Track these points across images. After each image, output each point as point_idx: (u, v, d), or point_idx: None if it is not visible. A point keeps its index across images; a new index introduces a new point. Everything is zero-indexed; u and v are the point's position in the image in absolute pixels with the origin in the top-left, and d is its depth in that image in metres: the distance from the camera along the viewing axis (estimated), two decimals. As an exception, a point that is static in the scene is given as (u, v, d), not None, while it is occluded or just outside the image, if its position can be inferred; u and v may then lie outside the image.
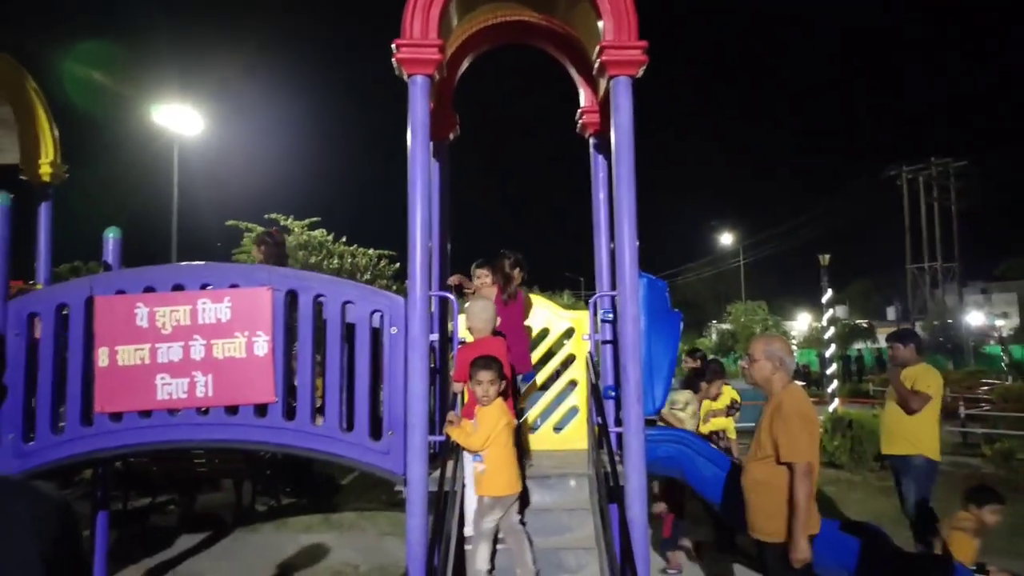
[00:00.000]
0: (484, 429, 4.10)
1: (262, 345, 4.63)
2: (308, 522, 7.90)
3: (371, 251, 22.22)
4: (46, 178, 7.27)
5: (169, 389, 4.57)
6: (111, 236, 6.83)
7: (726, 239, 55.87)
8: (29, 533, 1.29)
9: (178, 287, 4.72)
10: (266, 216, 21.27)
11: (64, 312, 4.72)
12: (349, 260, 21.48)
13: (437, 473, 4.48)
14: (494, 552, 4.02)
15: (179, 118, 20.39)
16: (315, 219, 21.45)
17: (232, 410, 4.60)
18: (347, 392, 4.71)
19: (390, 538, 7.05)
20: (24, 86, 6.93)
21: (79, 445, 4.54)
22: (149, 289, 4.71)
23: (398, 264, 22.52)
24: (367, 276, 20.94)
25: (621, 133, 4.67)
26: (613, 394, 5.09)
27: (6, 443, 4.61)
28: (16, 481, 1.33)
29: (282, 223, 21.08)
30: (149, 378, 4.57)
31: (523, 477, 4.22)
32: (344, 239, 21.81)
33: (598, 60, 4.79)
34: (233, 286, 4.72)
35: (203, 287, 4.71)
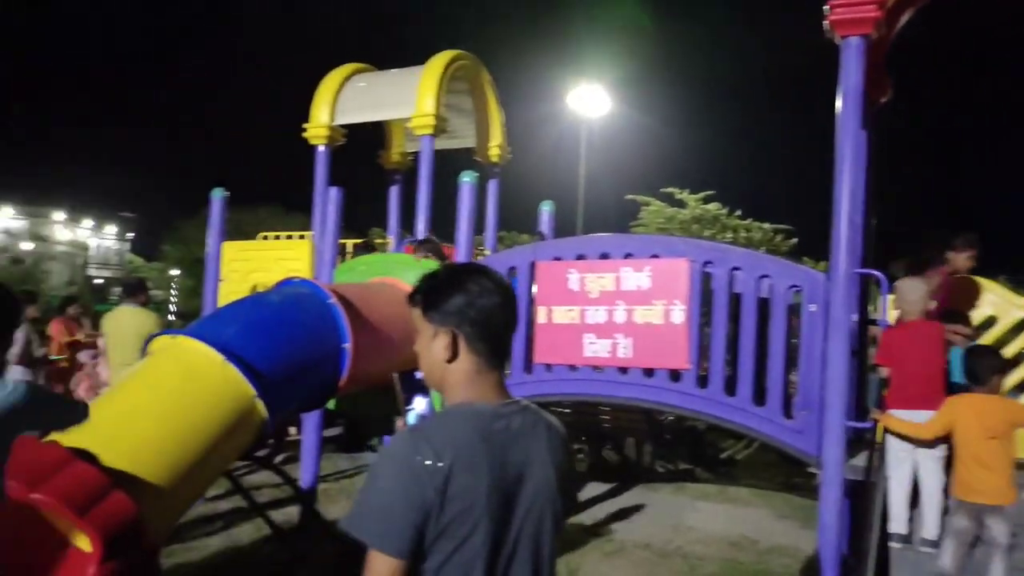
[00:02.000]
0: (942, 418, 3.76)
1: (678, 314, 4.84)
2: (704, 491, 8.07)
3: (766, 225, 21.54)
4: (494, 159, 8.49)
5: (594, 348, 5.05)
6: (546, 208, 7.74)
7: None
8: (549, 453, 1.57)
9: (604, 256, 5.17)
10: (661, 190, 21.97)
11: (512, 274, 5.49)
12: (743, 234, 21.13)
13: (852, 460, 4.25)
14: (964, 556, 3.68)
15: (589, 100, 21.92)
16: (709, 192, 21.52)
17: (649, 372, 4.91)
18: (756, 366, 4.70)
19: (788, 521, 6.85)
20: (481, 79, 8.13)
21: (522, 389, 5.26)
22: (580, 256, 5.24)
23: (795, 240, 21.49)
24: (762, 251, 20.33)
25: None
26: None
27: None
28: (539, 410, 1.61)
29: (676, 196, 21.56)
30: (578, 337, 5.10)
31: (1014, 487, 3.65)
32: (738, 213, 21.50)
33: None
34: (653, 256, 5.01)
35: (626, 256, 5.08)
